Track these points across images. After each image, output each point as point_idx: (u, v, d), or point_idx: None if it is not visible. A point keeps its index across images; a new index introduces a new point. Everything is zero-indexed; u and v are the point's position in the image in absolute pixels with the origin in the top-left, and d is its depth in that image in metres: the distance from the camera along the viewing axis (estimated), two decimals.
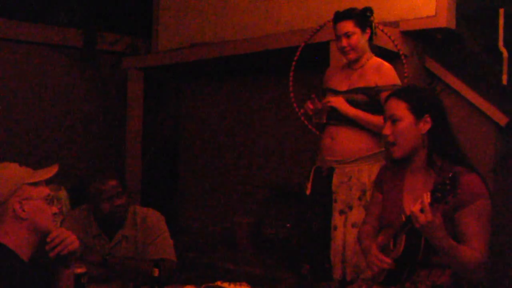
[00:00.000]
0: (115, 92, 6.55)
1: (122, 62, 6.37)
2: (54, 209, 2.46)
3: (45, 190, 2.44)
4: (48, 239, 2.38)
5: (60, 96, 6.31)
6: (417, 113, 2.62)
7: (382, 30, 4.54)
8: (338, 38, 3.82)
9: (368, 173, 3.70)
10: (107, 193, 3.47)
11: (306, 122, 4.43)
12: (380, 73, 3.77)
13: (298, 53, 4.63)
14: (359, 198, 3.72)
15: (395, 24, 4.85)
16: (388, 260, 2.58)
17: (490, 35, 5.18)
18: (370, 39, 3.88)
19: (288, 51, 4.75)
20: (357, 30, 3.76)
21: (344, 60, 3.91)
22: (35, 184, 2.41)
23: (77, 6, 6.50)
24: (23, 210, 2.35)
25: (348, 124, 3.75)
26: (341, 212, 3.73)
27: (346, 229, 3.72)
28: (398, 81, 3.77)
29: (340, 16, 3.81)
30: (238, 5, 5.92)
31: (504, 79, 5.11)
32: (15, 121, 6.05)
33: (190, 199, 6.67)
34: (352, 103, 3.74)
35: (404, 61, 4.54)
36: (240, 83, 6.22)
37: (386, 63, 3.83)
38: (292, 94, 4.70)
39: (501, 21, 5.07)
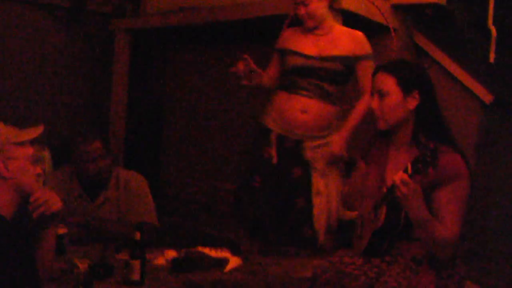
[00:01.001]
0: (102, 54, 6.50)
1: (110, 23, 6.32)
2: (38, 170, 2.45)
3: (29, 150, 2.43)
4: (31, 199, 2.38)
5: (45, 56, 6.25)
6: (406, 88, 2.62)
7: (373, 3, 4.53)
8: (295, 5, 3.75)
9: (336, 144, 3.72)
10: (91, 154, 3.48)
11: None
12: (357, 41, 3.73)
13: (288, 21, 4.60)
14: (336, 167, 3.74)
15: None
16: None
17: (479, 13, 5.19)
18: (332, 6, 3.81)
19: (278, 19, 4.72)
20: None
21: None
22: (19, 143, 2.40)
23: None
24: (7, 170, 2.34)
25: (321, 96, 3.70)
26: (323, 175, 3.73)
27: (329, 194, 3.74)
28: (371, 49, 3.75)
29: None
30: None
31: (492, 57, 5.14)
32: None
33: (173, 164, 6.66)
34: (325, 70, 3.69)
35: (393, 34, 4.53)
36: (228, 50, 6.19)
37: (358, 31, 3.78)
38: None
39: (491, 0, 5.08)
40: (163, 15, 6.09)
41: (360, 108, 3.72)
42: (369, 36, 3.86)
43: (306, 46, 3.76)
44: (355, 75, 3.77)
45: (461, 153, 2.59)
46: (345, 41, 3.73)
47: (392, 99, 2.63)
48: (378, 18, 4.58)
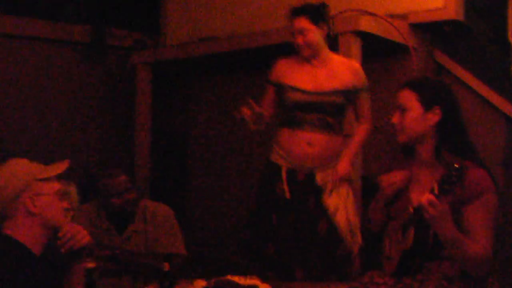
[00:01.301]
0: (123, 87, 6.55)
1: (131, 57, 6.38)
2: (65, 204, 2.47)
3: (56, 185, 2.45)
4: (60, 234, 2.40)
5: (68, 93, 6.32)
6: (427, 104, 2.62)
7: (391, 23, 4.53)
8: (293, 34, 3.74)
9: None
10: (117, 188, 3.50)
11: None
12: (355, 73, 3.73)
13: None
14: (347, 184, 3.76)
15: (403, 17, 4.82)
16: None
17: (498, 27, 5.16)
18: (328, 35, 3.78)
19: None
20: (312, 26, 3.66)
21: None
22: (46, 179, 2.42)
23: (84, 1, 6.50)
24: (35, 206, 2.37)
25: (325, 129, 3.70)
26: (332, 194, 3.71)
27: (347, 208, 3.73)
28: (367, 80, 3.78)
29: (294, 12, 3.72)
30: None
31: None
32: (24, 118, 6.06)
33: (200, 194, 6.67)
34: (331, 105, 3.69)
35: (412, 53, 4.52)
36: (250, 77, 6.21)
37: (355, 63, 3.80)
38: None
39: (509, 12, 5.04)
40: (183, 46, 6.14)
41: (361, 135, 3.80)
42: (389, 56, 3.86)
43: (305, 80, 3.74)
44: (354, 105, 3.79)
45: (487, 169, 2.57)
46: (344, 73, 3.72)
47: (412, 114, 2.64)
48: (397, 38, 4.58)
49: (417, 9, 4.81)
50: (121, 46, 6.54)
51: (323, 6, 3.75)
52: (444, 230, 2.40)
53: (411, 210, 2.56)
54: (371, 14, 4.58)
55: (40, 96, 6.13)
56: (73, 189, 4.46)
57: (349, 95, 3.71)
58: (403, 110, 2.67)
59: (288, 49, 5.12)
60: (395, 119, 2.69)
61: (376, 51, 3.82)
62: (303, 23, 3.67)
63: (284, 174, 3.77)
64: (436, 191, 2.33)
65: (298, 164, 3.74)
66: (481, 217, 2.50)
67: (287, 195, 3.75)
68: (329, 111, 3.69)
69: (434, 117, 2.62)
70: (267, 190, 3.85)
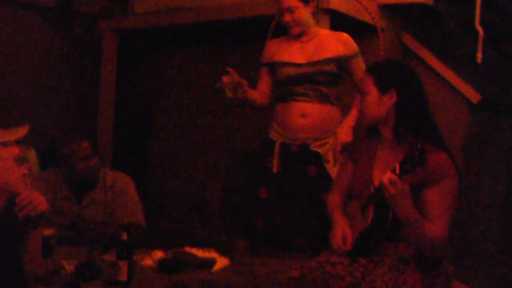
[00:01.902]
0: (89, 54, 6.48)
1: (97, 24, 6.30)
2: (24, 170, 2.44)
3: (15, 150, 2.41)
4: (17, 200, 2.37)
5: (32, 57, 6.22)
6: (382, 87, 2.65)
7: (360, 3, 4.53)
8: (280, 12, 3.75)
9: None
10: (82, 153, 3.47)
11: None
12: (344, 42, 3.74)
13: (274, 22, 4.60)
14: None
15: None
16: (344, 249, 2.69)
17: (467, 13, 5.20)
18: (315, 13, 3.79)
19: (266, 19, 4.72)
20: (300, 4, 3.67)
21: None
22: (4, 143, 2.39)
23: None
24: None
25: (318, 98, 3.72)
26: (335, 164, 3.71)
27: None
28: (357, 47, 3.78)
29: None
30: None
31: (479, 57, 5.15)
32: None
33: (162, 164, 6.65)
34: (323, 74, 3.70)
35: (380, 34, 4.54)
36: (216, 49, 6.18)
37: (343, 33, 3.79)
38: None
39: (478, 0, 5.09)
40: (151, 15, 6.07)
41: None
42: (357, 36, 3.87)
43: (295, 55, 3.77)
44: (349, 74, 3.79)
45: (448, 152, 2.60)
46: (333, 43, 3.74)
47: (370, 98, 2.68)
48: (366, 18, 4.58)
49: None
50: (88, 12, 6.46)
51: None
52: (403, 210, 2.43)
53: (372, 189, 2.59)
54: None
55: (5, 59, 6.02)
56: (32, 155, 4.40)
57: (341, 63, 3.71)
58: (362, 94, 2.71)
59: (254, 23, 5.12)
60: (357, 103, 2.74)
61: (345, 31, 3.81)
62: (291, 1, 3.67)
63: (277, 149, 3.80)
64: (397, 171, 2.35)
65: (292, 136, 3.76)
66: (440, 200, 2.53)
67: (275, 169, 3.78)
68: (322, 80, 3.71)
69: (390, 99, 2.64)
70: (259, 165, 3.89)
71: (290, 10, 3.68)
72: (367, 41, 4.69)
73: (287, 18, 3.70)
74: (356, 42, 3.80)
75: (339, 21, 4.23)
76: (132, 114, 6.63)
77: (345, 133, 3.67)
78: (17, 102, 6.06)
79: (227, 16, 5.25)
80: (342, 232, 2.76)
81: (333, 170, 3.68)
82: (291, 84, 3.77)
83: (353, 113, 3.66)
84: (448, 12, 5.12)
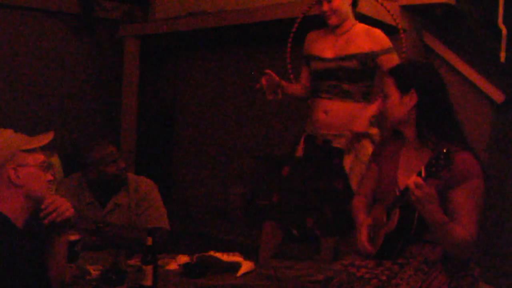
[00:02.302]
0: (111, 59, 6.52)
1: (119, 29, 6.34)
2: (49, 176, 2.45)
3: (40, 157, 2.43)
4: (43, 206, 2.38)
5: (56, 63, 6.28)
6: (402, 88, 2.63)
7: (381, 4, 4.51)
8: (319, 2, 3.74)
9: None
10: (111, 157, 3.49)
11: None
12: (373, 38, 3.71)
13: (296, 25, 4.59)
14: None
15: None
16: (370, 251, 2.65)
17: (489, 12, 5.16)
18: (354, 5, 3.79)
19: (286, 22, 4.72)
20: None
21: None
22: (30, 150, 2.40)
23: None
24: (18, 177, 2.34)
25: (339, 96, 3.72)
26: (350, 152, 3.72)
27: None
28: (391, 44, 3.73)
29: None
30: None
31: (502, 56, 5.10)
32: (10, 87, 6.02)
33: (185, 169, 6.67)
34: (343, 70, 3.69)
35: (402, 35, 4.51)
36: (237, 53, 6.20)
37: (375, 28, 3.76)
38: (289, 66, 4.67)
39: None
40: (172, 20, 6.11)
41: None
42: None
43: (325, 48, 3.79)
44: (379, 70, 3.75)
45: (473, 152, 2.57)
46: (361, 38, 3.72)
47: (391, 100, 2.66)
48: (387, 19, 4.57)
49: None
50: (110, 18, 6.51)
51: None
52: (430, 213, 2.41)
53: (397, 192, 2.57)
54: None
55: (29, 66, 6.09)
56: (56, 160, 4.44)
57: (366, 58, 3.69)
58: (384, 96, 2.69)
59: (275, 26, 5.11)
60: (380, 105, 2.73)
61: None
62: None
63: (302, 138, 3.88)
64: (423, 174, 2.33)
65: (315, 131, 3.82)
66: (467, 201, 2.50)
67: (298, 153, 3.87)
68: (343, 76, 3.71)
69: (411, 100, 2.62)
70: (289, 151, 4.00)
71: (328, 0, 3.68)
72: None
73: (325, 7, 3.70)
74: (387, 38, 3.76)
75: (360, 23, 4.22)
76: (154, 118, 6.66)
77: (360, 123, 3.68)
78: (41, 108, 6.12)
79: (248, 20, 5.27)
80: (367, 234, 2.75)
81: (346, 158, 3.72)
82: (317, 79, 3.81)
83: (373, 106, 3.66)
84: (471, 11, 5.08)
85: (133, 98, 6.23)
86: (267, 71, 3.77)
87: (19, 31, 6.05)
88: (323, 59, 3.77)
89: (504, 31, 5.06)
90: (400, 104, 2.64)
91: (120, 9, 6.61)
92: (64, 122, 6.25)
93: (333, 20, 3.73)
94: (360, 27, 3.80)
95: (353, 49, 3.70)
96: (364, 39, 3.71)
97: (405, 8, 4.81)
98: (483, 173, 2.55)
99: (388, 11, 4.53)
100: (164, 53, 6.80)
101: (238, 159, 6.14)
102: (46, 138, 2.47)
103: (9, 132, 2.44)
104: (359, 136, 3.70)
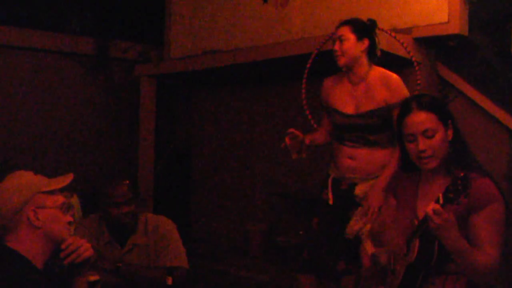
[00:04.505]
0: (127, 99, 6.57)
1: (135, 69, 6.40)
2: (69, 218, 2.46)
3: (60, 199, 2.44)
4: (63, 247, 2.39)
5: (72, 104, 6.34)
6: (444, 121, 2.61)
7: (395, 37, 4.53)
8: (333, 40, 3.77)
9: None
10: (116, 199, 3.48)
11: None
12: (390, 88, 3.67)
13: (310, 60, 4.62)
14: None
15: (407, 31, 4.83)
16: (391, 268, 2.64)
17: (502, 41, 5.16)
18: (372, 53, 3.74)
19: (300, 59, 4.74)
20: (352, 36, 3.67)
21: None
22: (49, 192, 2.42)
23: (89, 14, 6.54)
24: (38, 219, 2.36)
25: (366, 145, 3.72)
26: (366, 214, 3.71)
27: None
28: (407, 93, 3.67)
29: (341, 22, 3.76)
30: (250, 13, 5.93)
31: None
32: (28, 129, 6.07)
33: (203, 207, 6.66)
34: (365, 126, 3.70)
35: (416, 68, 4.52)
36: (252, 90, 6.23)
37: (393, 75, 3.72)
38: (304, 102, 4.67)
39: None
40: (187, 59, 6.16)
41: (397, 156, 3.66)
42: (393, 70, 3.85)
43: (344, 101, 3.78)
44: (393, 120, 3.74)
45: (492, 178, 2.56)
46: (378, 90, 3.68)
47: (440, 135, 2.60)
48: (401, 52, 4.58)
49: (421, 24, 4.83)
50: (125, 58, 6.58)
51: (371, 22, 3.76)
52: (450, 240, 2.39)
53: (416, 222, 2.55)
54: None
55: (45, 107, 6.15)
56: (75, 201, 4.46)
57: (383, 111, 3.66)
58: (428, 134, 2.59)
59: (288, 63, 5.14)
60: (422, 146, 2.59)
61: (380, 65, 3.80)
62: (343, 31, 3.70)
63: (330, 182, 3.88)
64: (441, 201, 2.32)
65: (342, 175, 3.83)
66: (487, 226, 2.48)
67: (331, 201, 3.86)
68: (366, 130, 3.71)
69: (450, 132, 2.61)
70: (318, 197, 3.99)
71: (341, 39, 3.69)
72: (403, 74, 4.65)
73: (336, 46, 3.71)
74: (403, 86, 3.73)
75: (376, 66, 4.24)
76: (171, 157, 6.67)
77: (375, 199, 3.65)
78: (59, 149, 6.16)
79: (262, 57, 5.30)
80: (388, 253, 2.73)
81: (355, 222, 3.74)
82: (339, 130, 3.83)
83: (386, 174, 3.63)
84: (483, 41, 5.08)
85: (150, 136, 6.26)
86: (291, 130, 3.78)
87: (35, 73, 6.13)
88: (344, 115, 3.76)
89: None
90: (446, 138, 2.61)
91: (135, 49, 6.68)
92: (83, 163, 6.28)
93: (340, 62, 3.72)
94: (376, 74, 3.74)
95: (371, 105, 3.68)
96: (380, 90, 3.67)
97: (418, 41, 4.82)
98: (503, 198, 2.54)
99: (402, 44, 4.55)
100: (179, 91, 6.85)
101: (256, 196, 6.13)
102: (65, 180, 2.48)
103: (29, 174, 2.46)
104: (372, 211, 3.69)
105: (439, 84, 5.02)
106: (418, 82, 4.48)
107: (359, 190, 3.75)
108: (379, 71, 3.76)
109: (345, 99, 3.78)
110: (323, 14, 5.40)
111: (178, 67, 6.19)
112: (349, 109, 3.75)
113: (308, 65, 4.59)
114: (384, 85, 3.68)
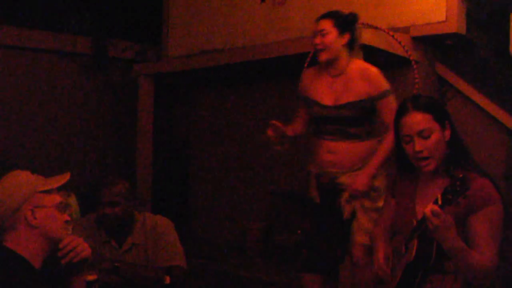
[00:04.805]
0: (125, 98, 6.57)
1: (132, 69, 6.39)
2: (66, 217, 2.46)
3: (57, 198, 2.44)
4: (60, 246, 2.39)
5: (71, 103, 6.34)
6: (441, 122, 2.60)
7: (393, 36, 4.54)
8: (314, 34, 3.72)
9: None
10: (105, 199, 3.47)
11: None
12: (370, 81, 3.65)
13: (308, 59, 4.62)
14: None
15: (405, 30, 4.83)
16: (388, 273, 2.66)
17: (500, 40, 5.16)
18: (351, 47, 3.71)
19: (298, 58, 4.75)
20: (334, 30, 3.64)
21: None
22: (47, 191, 2.41)
23: (87, 13, 6.53)
24: (35, 218, 2.35)
25: (345, 138, 3.70)
26: (353, 197, 3.71)
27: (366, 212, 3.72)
28: (387, 85, 3.66)
29: (321, 15, 3.73)
30: (248, 12, 5.92)
31: None
32: (26, 129, 6.07)
33: (201, 206, 6.66)
34: (344, 118, 3.68)
35: (415, 67, 4.53)
36: (250, 89, 6.22)
37: (372, 68, 3.69)
38: None
39: (511, 26, 5.05)
40: (185, 58, 6.15)
41: (385, 144, 3.64)
42: (391, 69, 3.85)
43: (323, 93, 3.75)
44: (376, 113, 3.74)
45: (491, 178, 2.56)
46: (358, 83, 3.67)
47: (436, 136, 2.58)
48: (399, 51, 4.59)
49: (419, 23, 4.82)
50: (123, 58, 6.57)
51: (352, 15, 3.73)
52: (448, 241, 2.39)
53: (415, 222, 2.55)
54: (373, 27, 4.60)
55: (43, 107, 6.14)
56: (73, 200, 4.45)
57: (365, 104, 3.66)
58: (424, 135, 2.58)
59: (288, 61, 5.14)
60: (418, 147, 2.57)
61: (378, 64, 3.79)
62: (324, 24, 3.67)
63: (313, 180, 3.88)
64: (439, 202, 2.32)
65: (322, 170, 3.81)
66: (485, 226, 2.48)
67: (317, 199, 3.87)
68: (345, 123, 3.70)
69: (447, 132, 2.60)
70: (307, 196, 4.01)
71: (322, 34, 3.66)
72: (401, 73, 4.69)
73: (318, 40, 3.68)
74: (390, 75, 3.74)
75: (372, 55, 4.24)
76: (170, 156, 6.67)
77: (362, 184, 3.66)
78: (56, 148, 6.15)
79: (260, 56, 5.30)
80: (384, 254, 2.73)
81: (345, 207, 3.73)
82: (317, 121, 3.81)
83: (376, 160, 3.65)
84: (481, 40, 5.08)
85: (148, 135, 6.26)
86: (273, 122, 3.76)
87: (32, 72, 6.12)
88: (322, 106, 3.74)
89: None
90: (443, 138, 2.60)
91: (133, 48, 6.68)
92: (80, 162, 6.27)
93: (322, 57, 3.70)
94: (356, 67, 3.72)
95: (350, 97, 3.66)
96: (361, 83, 3.66)
97: (416, 40, 4.82)
98: (501, 199, 2.54)
99: (400, 43, 4.56)
100: (177, 90, 6.85)
101: (254, 195, 6.13)
102: (62, 179, 2.48)
103: (26, 174, 2.46)
104: (357, 194, 3.69)
105: (437, 83, 5.02)
106: (417, 81, 4.48)
107: (343, 179, 3.73)
108: (358, 64, 3.74)
109: (324, 91, 3.75)
110: (320, 13, 5.38)
111: (176, 66, 6.18)
112: (328, 101, 3.72)
113: (305, 64, 4.58)
114: (364, 78, 3.67)
